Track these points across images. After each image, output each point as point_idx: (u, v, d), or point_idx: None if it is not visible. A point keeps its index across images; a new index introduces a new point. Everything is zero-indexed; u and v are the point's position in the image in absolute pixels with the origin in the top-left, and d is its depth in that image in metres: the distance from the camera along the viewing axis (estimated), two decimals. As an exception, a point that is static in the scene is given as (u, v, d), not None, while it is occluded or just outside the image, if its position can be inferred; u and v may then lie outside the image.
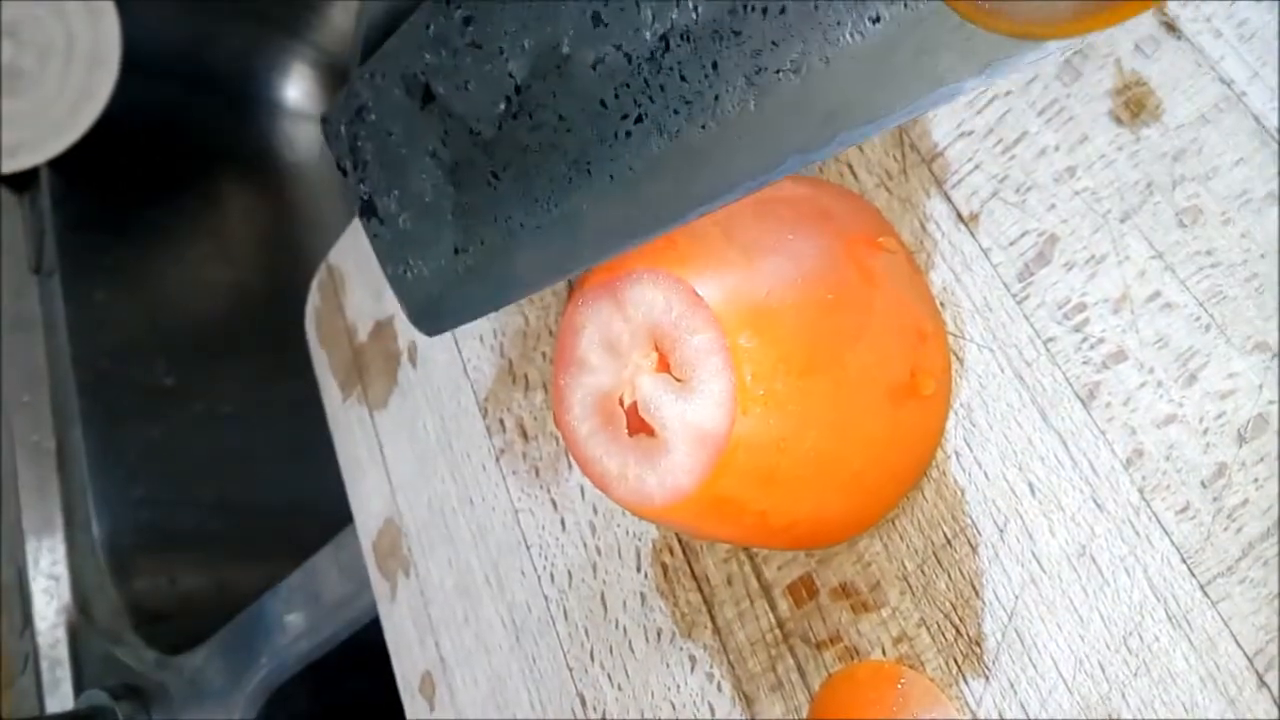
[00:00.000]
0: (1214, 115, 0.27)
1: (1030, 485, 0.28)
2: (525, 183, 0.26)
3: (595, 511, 0.39)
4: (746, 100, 0.22)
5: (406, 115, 0.29)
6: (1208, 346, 0.26)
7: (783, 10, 0.21)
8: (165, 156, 0.95)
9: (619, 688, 0.37)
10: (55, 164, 0.85)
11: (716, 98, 0.23)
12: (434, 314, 0.30)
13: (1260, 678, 0.24)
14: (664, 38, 0.23)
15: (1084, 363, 0.28)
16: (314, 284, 0.56)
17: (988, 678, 0.28)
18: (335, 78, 1.00)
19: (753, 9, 0.22)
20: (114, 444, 0.81)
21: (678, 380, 0.27)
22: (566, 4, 0.24)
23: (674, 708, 0.35)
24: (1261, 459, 0.25)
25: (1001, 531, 0.28)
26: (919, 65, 0.20)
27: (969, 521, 0.29)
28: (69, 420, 0.81)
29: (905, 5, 0.20)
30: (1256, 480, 0.25)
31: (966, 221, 0.30)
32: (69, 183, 0.88)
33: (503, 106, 0.26)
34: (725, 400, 0.25)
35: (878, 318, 0.28)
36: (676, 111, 0.23)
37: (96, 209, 0.90)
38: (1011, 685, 0.28)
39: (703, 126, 0.23)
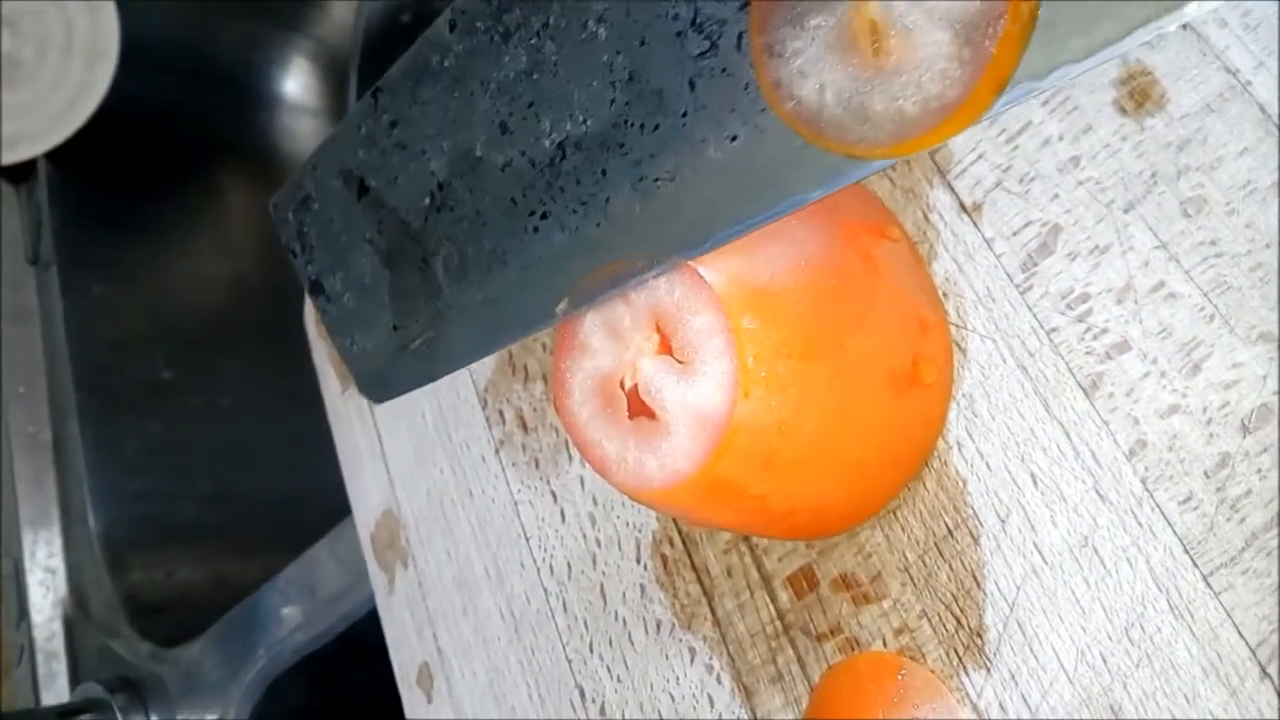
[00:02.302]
0: (1219, 105, 0.27)
1: (1033, 476, 0.28)
2: (451, 269, 0.29)
3: (595, 503, 0.39)
4: (633, 203, 0.25)
5: (345, 205, 0.31)
6: (1212, 337, 0.26)
7: (656, 127, 0.24)
8: (164, 149, 0.95)
9: (618, 680, 0.37)
10: (53, 156, 0.85)
11: (607, 200, 0.25)
12: (380, 383, 0.33)
13: (1263, 669, 0.24)
14: (561, 146, 0.26)
15: (1087, 353, 0.28)
16: (313, 275, 0.56)
17: (989, 669, 0.28)
18: (334, 71, 1.00)
19: (632, 124, 0.24)
20: (111, 437, 0.81)
21: (679, 362, 0.26)
22: (477, 114, 0.27)
23: (673, 699, 0.35)
24: (1265, 449, 0.25)
25: (1003, 522, 0.28)
26: (772, 178, 0.23)
27: (971, 512, 0.29)
28: (66, 413, 0.81)
29: (756, 126, 0.22)
30: (1260, 471, 0.25)
31: (969, 211, 0.30)
32: (67, 175, 0.88)
33: (428, 200, 0.29)
34: (727, 382, 0.25)
35: (880, 305, 0.28)
36: (575, 211, 0.26)
37: (94, 201, 0.90)
38: (1013, 677, 0.28)
39: (598, 224, 0.26)
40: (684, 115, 0.23)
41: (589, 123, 0.25)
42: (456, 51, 0.27)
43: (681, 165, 0.24)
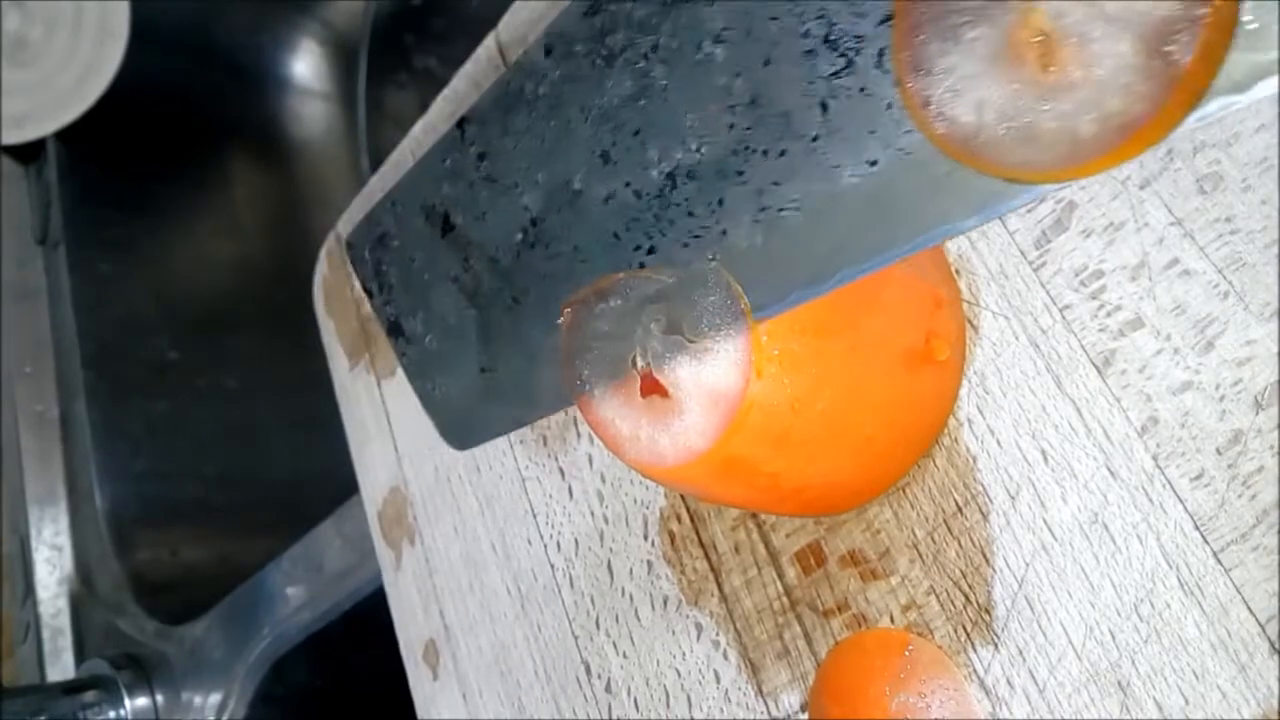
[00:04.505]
0: (1236, 82, 0.27)
1: (1043, 453, 0.28)
2: (545, 307, 0.27)
3: (603, 480, 0.39)
4: (753, 235, 0.23)
5: (428, 243, 0.29)
6: (1226, 313, 0.26)
7: (783, 153, 0.22)
8: (172, 130, 0.95)
9: (624, 655, 0.37)
10: (62, 136, 0.85)
11: (724, 233, 0.23)
12: (463, 430, 0.31)
13: (1272, 645, 0.24)
14: (671, 175, 0.24)
15: (1100, 330, 0.28)
16: (322, 253, 0.56)
17: (996, 645, 0.28)
18: (344, 55, 1.00)
19: (753, 151, 0.22)
20: (117, 416, 0.81)
21: (691, 341, 0.26)
22: (576, 144, 0.25)
23: (679, 675, 0.35)
24: (1277, 426, 0.25)
25: (1013, 499, 0.28)
26: (916, 206, 0.20)
27: (980, 489, 0.29)
28: (73, 391, 0.81)
29: (900, 150, 0.20)
30: (1272, 447, 0.25)
31: (983, 189, 0.30)
32: (75, 155, 0.88)
33: (520, 236, 0.27)
34: (740, 360, 0.25)
35: (893, 283, 0.28)
36: (685, 245, 0.24)
37: (103, 181, 0.90)
38: (1020, 653, 0.28)
39: (711, 259, 0.24)
40: (815, 139, 0.21)
41: (703, 150, 0.23)
42: (553, 78, 0.25)
43: (811, 193, 0.21)
